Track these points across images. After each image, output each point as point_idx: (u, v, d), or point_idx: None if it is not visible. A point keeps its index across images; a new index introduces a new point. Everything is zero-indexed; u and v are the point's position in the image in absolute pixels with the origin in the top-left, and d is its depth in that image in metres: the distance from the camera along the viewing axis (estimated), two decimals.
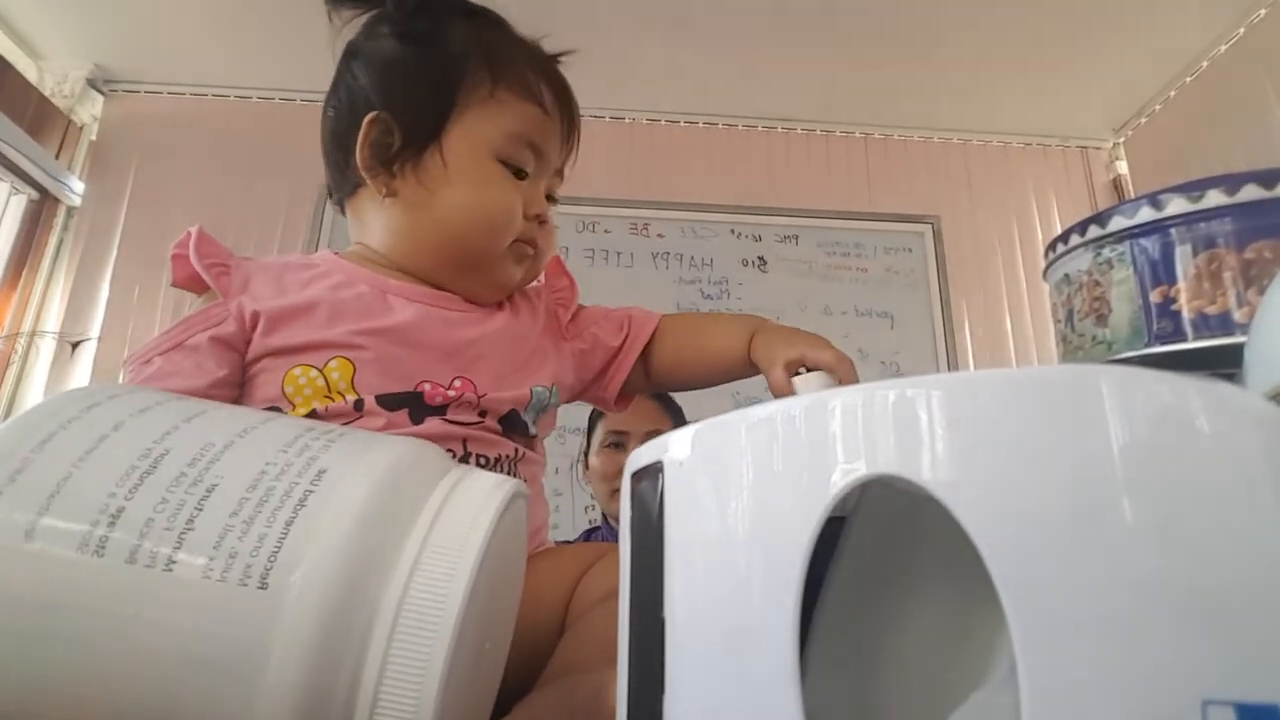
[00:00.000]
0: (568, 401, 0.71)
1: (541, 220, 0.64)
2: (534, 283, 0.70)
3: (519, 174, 0.62)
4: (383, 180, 0.61)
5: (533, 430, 0.63)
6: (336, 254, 0.63)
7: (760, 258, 2.58)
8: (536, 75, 0.63)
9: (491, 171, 0.60)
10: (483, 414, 0.59)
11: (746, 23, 2.26)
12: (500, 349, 0.62)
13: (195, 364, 0.54)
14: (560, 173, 0.67)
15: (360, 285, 0.59)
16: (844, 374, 0.59)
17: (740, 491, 0.25)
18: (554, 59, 0.67)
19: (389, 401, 0.55)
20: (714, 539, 0.25)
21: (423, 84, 0.61)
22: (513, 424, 0.61)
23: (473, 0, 0.65)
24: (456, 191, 0.59)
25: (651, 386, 0.74)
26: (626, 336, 0.72)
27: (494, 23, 0.66)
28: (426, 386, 0.57)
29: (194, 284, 0.59)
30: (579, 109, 0.67)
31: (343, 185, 0.65)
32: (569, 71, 0.68)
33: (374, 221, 0.63)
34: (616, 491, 1.35)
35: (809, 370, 0.60)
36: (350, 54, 0.64)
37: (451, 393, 0.57)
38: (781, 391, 0.60)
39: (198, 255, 0.58)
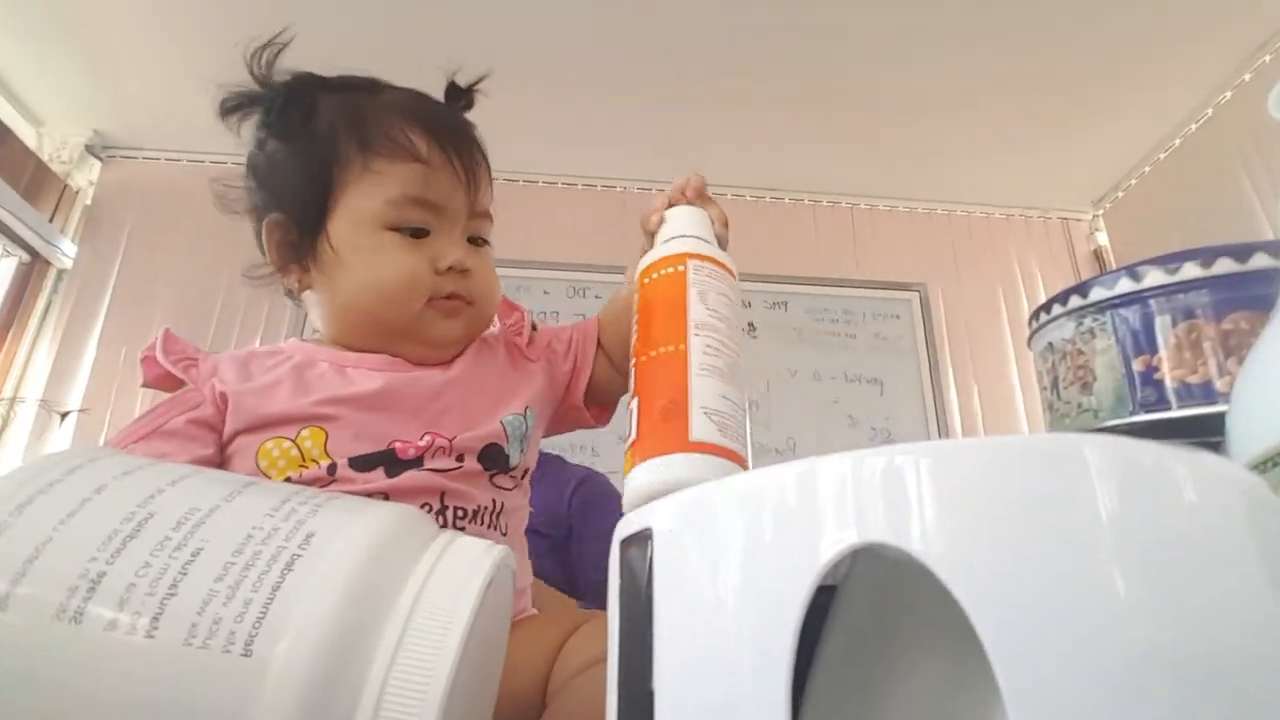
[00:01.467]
0: (550, 430, 0.71)
1: (461, 270, 0.62)
2: (490, 329, 0.70)
3: (420, 233, 0.61)
4: (295, 276, 0.63)
5: (514, 461, 0.62)
6: (302, 340, 0.65)
7: (750, 324, 2.61)
8: (410, 129, 0.61)
9: (382, 243, 0.60)
10: (460, 458, 0.58)
11: (735, 94, 2.34)
12: (465, 399, 0.62)
13: (178, 444, 0.55)
14: (481, 213, 0.65)
15: (321, 364, 0.61)
16: (694, 183, 0.62)
17: (729, 560, 0.24)
18: (436, 103, 0.66)
19: (362, 463, 0.55)
20: (703, 609, 0.25)
21: (300, 177, 0.62)
22: (493, 458, 0.60)
23: (342, 75, 0.66)
24: (351, 272, 0.60)
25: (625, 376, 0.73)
26: (574, 344, 0.72)
27: (362, 89, 0.65)
28: (398, 444, 0.57)
29: (164, 382, 0.60)
30: (473, 141, 0.65)
31: (283, 283, 0.67)
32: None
33: (311, 310, 0.65)
34: None
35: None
36: (247, 166, 0.66)
37: (423, 442, 0.57)
38: (652, 218, 0.61)
39: (164, 354, 0.59)
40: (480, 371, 0.65)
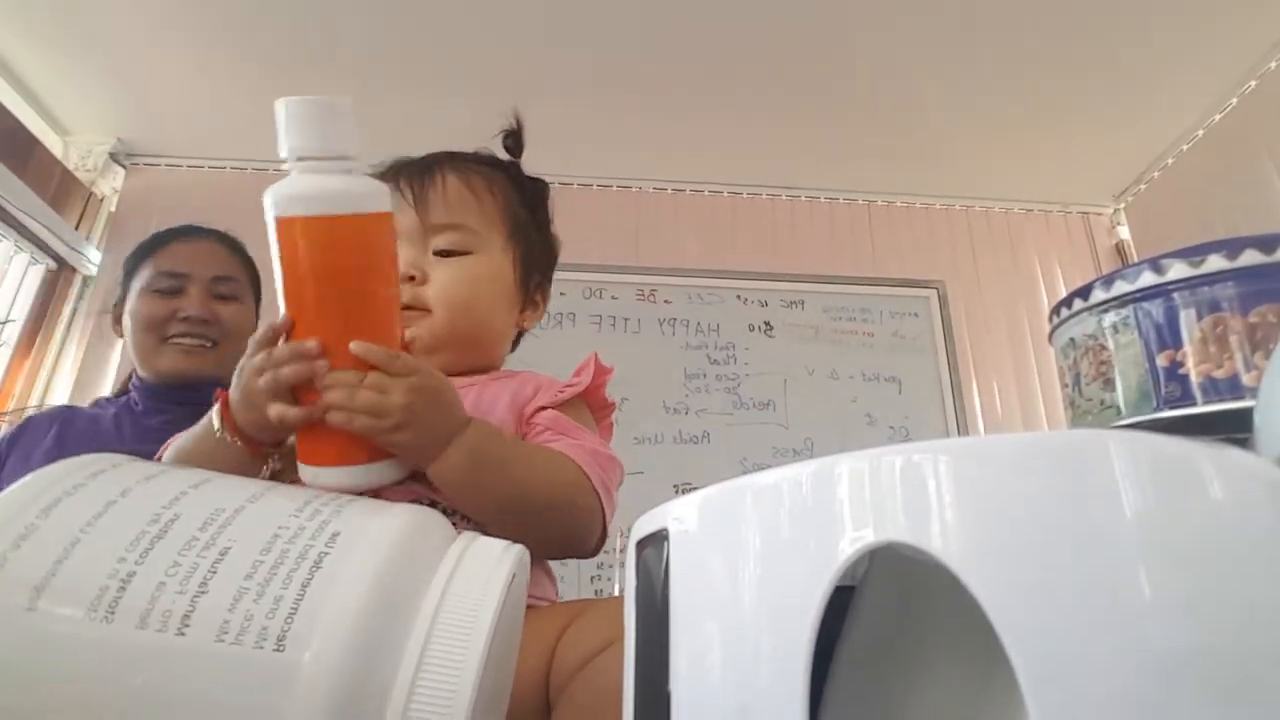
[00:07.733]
0: None
1: (408, 278, 0.68)
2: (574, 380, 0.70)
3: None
4: None
5: None
6: None
7: (766, 323, 2.59)
8: None
9: None
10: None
11: (751, 93, 2.33)
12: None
13: None
14: (437, 226, 0.69)
15: None
16: None
17: (746, 560, 0.24)
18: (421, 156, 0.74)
19: None
20: (720, 609, 0.24)
21: None
22: None
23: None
24: None
25: None
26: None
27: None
28: None
29: None
30: (427, 173, 0.71)
31: None
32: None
33: None
34: (166, 341, 1.12)
35: None
36: None
37: None
38: None
39: None
40: (479, 408, 0.63)
